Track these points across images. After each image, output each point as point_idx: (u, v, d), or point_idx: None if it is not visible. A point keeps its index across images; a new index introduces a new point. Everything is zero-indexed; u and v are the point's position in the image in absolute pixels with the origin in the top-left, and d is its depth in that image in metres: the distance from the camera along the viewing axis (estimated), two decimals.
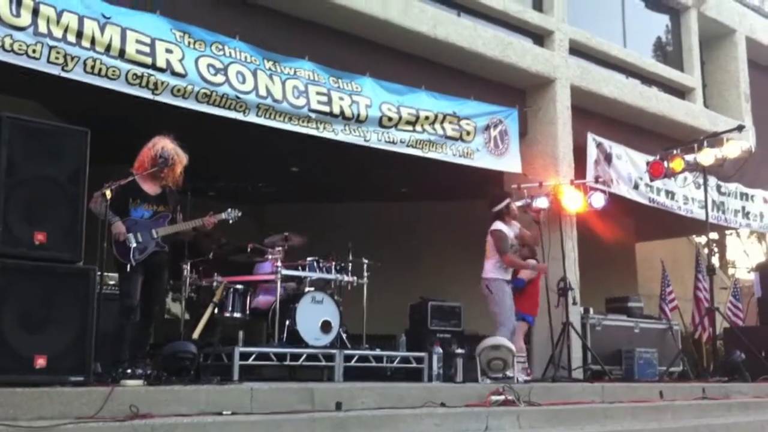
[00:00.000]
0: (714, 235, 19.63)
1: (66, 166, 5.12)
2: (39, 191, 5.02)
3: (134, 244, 6.22)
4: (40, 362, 4.67)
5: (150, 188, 6.46)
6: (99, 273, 5.33)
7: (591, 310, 10.16)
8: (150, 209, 6.43)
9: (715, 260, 21.21)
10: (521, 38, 10.18)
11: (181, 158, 6.47)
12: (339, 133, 8.19)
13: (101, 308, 5.29)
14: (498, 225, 8.12)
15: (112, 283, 6.80)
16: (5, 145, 4.88)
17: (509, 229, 8.18)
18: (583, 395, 7.30)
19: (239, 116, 7.50)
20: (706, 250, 16.34)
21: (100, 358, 5.52)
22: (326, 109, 8.04)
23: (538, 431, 6.08)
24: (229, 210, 6.97)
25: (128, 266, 6.19)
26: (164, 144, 6.42)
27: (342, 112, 8.15)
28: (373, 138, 8.45)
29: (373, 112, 8.40)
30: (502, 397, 6.38)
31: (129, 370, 5.62)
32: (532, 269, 8.58)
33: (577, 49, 10.82)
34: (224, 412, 4.91)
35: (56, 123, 5.56)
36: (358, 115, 8.27)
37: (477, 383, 7.15)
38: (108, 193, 5.87)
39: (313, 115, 7.95)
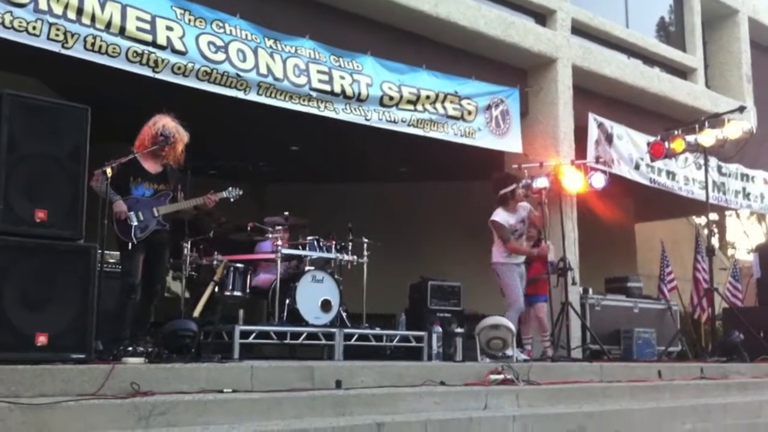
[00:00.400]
0: (714, 216, 19.62)
1: (66, 143, 5.08)
2: (39, 169, 4.97)
3: (135, 223, 6.22)
4: (42, 340, 4.66)
5: (151, 166, 6.44)
6: (100, 251, 5.32)
7: (590, 290, 10.19)
8: (151, 187, 6.42)
9: (715, 241, 21.20)
10: (523, 18, 10.12)
11: (182, 136, 6.45)
12: (340, 112, 8.16)
13: (102, 286, 5.29)
14: (496, 215, 8.11)
15: (112, 261, 6.81)
16: (6, 122, 4.83)
17: (510, 216, 8.16)
18: (582, 375, 7.31)
19: (240, 94, 7.47)
20: (705, 231, 16.35)
21: (101, 336, 5.51)
22: (327, 87, 8.00)
23: (536, 410, 6.09)
24: (230, 188, 6.96)
25: (129, 244, 6.20)
26: (165, 122, 6.39)
27: (343, 91, 8.11)
28: (374, 117, 8.43)
29: (374, 91, 8.37)
30: (501, 376, 6.40)
31: (130, 348, 5.62)
32: (538, 255, 8.57)
33: (579, 29, 10.77)
34: (225, 390, 4.92)
35: (57, 100, 5.51)
36: (359, 94, 8.24)
37: (476, 362, 7.17)
38: (109, 171, 5.84)
39: (314, 94, 7.92)
